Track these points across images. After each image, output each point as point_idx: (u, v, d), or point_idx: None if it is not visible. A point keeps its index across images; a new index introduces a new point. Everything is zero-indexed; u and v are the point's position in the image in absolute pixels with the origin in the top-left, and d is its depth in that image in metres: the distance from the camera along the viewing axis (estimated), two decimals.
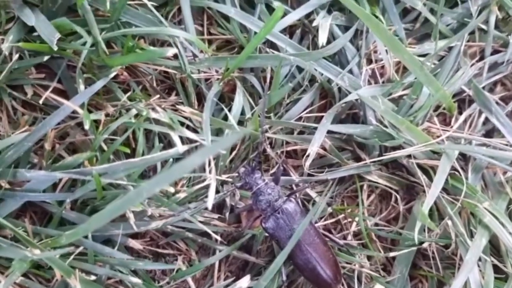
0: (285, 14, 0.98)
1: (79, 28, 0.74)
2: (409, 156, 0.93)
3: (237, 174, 0.89)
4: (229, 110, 0.90)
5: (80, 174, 0.70)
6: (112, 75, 0.79)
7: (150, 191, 0.54)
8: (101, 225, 0.60)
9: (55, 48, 0.76)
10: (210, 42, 1.01)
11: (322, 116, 0.95)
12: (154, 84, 0.92)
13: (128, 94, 0.82)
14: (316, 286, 0.87)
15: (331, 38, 0.96)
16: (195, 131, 0.90)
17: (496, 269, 0.85)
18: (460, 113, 1.02)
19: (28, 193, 0.75)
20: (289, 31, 1.00)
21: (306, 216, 0.84)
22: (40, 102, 0.78)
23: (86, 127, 0.68)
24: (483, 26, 1.04)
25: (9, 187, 0.75)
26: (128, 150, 0.77)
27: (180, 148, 0.72)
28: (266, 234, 0.87)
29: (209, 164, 0.76)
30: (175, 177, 0.55)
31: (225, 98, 0.96)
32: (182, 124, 0.88)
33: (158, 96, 0.85)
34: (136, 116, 0.81)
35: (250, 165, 0.89)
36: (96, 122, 0.77)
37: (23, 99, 0.85)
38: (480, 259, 0.83)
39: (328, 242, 0.87)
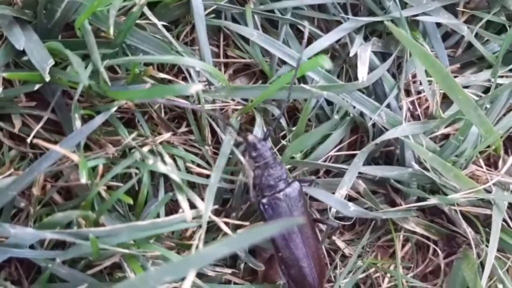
0: (313, 38, 0.86)
1: (76, 59, 0.62)
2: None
3: (242, 140, 0.75)
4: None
5: (74, 236, 0.58)
6: (114, 109, 0.67)
7: (158, 281, 0.43)
8: None
9: (47, 79, 0.64)
10: (226, 65, 0.89)
11: (352, 154, 0.83)
12: (162, 113, 0.81)
13: (133, 135, 0.70)
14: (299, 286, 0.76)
15: None
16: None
17: None
18: (506, 151, 0.91)
19: (12, 248, 0.63)
20: None
21: (306, 203, 0.73)
22: (28, 140, 0.66)
23: (83, 180, 0.56)
24: None
25: None
26: (131, 201, 0.65)
27: (188, 217, 0.60)
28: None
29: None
30: (191, 268, 0.44)
31: (242, 130, 0.84)
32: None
33: (169, 134, 0.73)
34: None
35: (265, 132, 0.75)
36: (94, 169, 0.65)
37: (10, 130, 0.74)
38: None
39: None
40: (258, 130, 0.80)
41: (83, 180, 0.56)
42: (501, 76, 0.90)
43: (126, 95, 0.65)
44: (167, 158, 0.66)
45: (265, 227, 0.38)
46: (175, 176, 0.63)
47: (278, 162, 0.73)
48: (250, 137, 0.73)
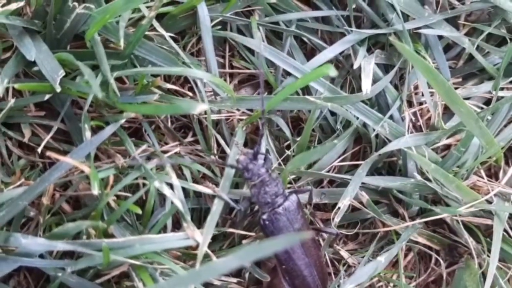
0: (318, 50, 0.88)
1: (87, 70, 0.63)
2: None
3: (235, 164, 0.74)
4: None
5: (86, 246, 0.59)
6: (123, 121, 0.68)
7: None
8: None
9: (58, 89, 0.65)
10: (231, 75, 0.90)
11: (355, 165, 0.85)
12: (169, 124, 0.82)
13: (140, 150, 0.71)
14: None
15: None
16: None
17: None
18: (507, 162, 0.92)
19: (22, 257, 0.64)
20: None
21: (305, 214, 0.74)
22: (39, 150, 0.67)
23: (95, 192, 0.57)
24: None
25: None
26: (139, 211, 0.66)
27: (192, 242, 0.62)
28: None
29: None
30: (200, 281, 0.46)
31: (248, 140, 0.86)
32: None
33: (176, 144, 0.74)
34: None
35: (254, 150, 0.74)
36: (103, 179, 0.66)
37: (20, 139, 0.74)
38: None
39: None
40: (262, 140, 0.81)
41: (95, 191, 0.57)
42: (502, 88, 0.91)
43: (134, 109, 0.66)
44: (175, 180, 0.67)
45: (271, 242, 0.39)
46: (178, 202, 0.64)
47: (274, 177, 0.73)
48: (241, 158, 0.73)
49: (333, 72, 0.59)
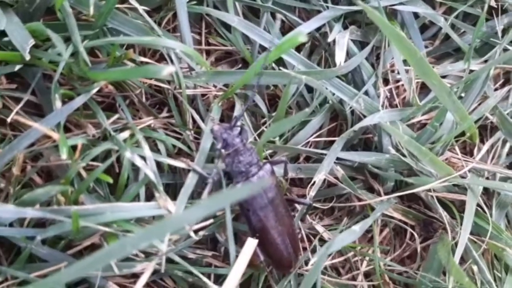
0: (294, 26, 0.88)
1: (55, 35, 0.63)
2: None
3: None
4: None
5: (55, 213, 0.58)
6: (94, 91, 0.67)
7: (135, 246, 0.44)
8: (74, 278, 0.49)
9: (27, 58, 0.64)
10: (208, 52, 0.90)
11: (331, 141, 0.85)
12: (144, 99, 0.81)
13: (112, 119, 0.70)
14: (277, 264, 0.77)
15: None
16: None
17: None
18: (482, 140, 0.93)
19: None
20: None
21: (278, 184, 0.74)
22: (8, 120, 0.66)
23: (63, 156, 0.57)
24: (509, 46, 0.95)
25: None
26: (110, 180, 0.65)
27: (164, 212, 0.62)
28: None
29: None
30: (166, 233, 0.45)
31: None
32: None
33: (151, 118, 0.74)
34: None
35: (231, 122, 0.74)
36: (74, 148, 0.66)
37: None
38: None
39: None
40: (244, 107, 0.81)
41: (64, 156, 0.56)
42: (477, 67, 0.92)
43: (104, 76, 0.65)
44: (147, 151, 0.66)
45: (236, 190, 0.39)
46: (150, 173, 0.64)
47: (248, 148, 0.73)
48: (215, 128, 0.73)
49: (303, 37, 0.59)
